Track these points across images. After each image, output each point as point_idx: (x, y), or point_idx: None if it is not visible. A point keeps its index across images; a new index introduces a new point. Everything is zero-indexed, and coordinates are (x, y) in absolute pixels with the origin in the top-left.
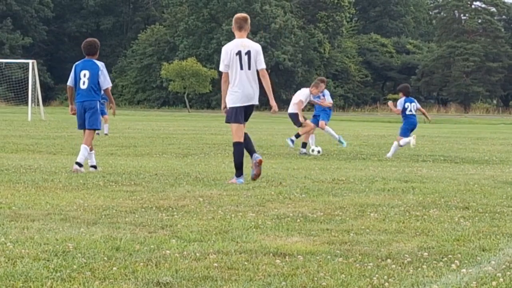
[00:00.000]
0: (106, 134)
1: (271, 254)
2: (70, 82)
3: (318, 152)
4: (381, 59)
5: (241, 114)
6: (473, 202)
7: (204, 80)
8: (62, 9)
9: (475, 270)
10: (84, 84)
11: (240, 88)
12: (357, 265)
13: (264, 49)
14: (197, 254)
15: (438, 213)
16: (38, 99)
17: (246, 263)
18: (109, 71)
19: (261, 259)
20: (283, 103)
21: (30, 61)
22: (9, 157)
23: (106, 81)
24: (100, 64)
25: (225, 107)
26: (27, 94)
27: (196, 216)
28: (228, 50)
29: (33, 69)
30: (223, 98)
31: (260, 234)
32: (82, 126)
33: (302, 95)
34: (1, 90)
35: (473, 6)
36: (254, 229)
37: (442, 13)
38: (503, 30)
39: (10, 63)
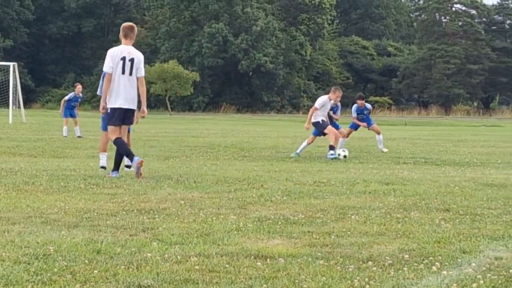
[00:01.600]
0: (79, 137)
1: (252, 256)
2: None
3: (344, 156)
4: (362, 61)
5: (120, 116)
6: (453, 204)
7: (186, 82)
8: (43, 11)
9: (455, 272)
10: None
11: (120, 92)
12: (338, 267)
13: (246, 52)
14: (178, 257)
15: (419, 215)
16: (19, 101)
17: (227, 265)
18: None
19: (243, 261)
20: (265, 105)
21: (11, 64)
22: None
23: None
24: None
25: (104, 107)
26: (8, 97)
27: (177, 218)
28: (113, 54)
29: (14, 71)
30: (103, 98)
31: (242, 237)
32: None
33: (318, 103)
34: None
35: (453, 9)
36: (235, 232)
37: (423, 16)
38: (483, 32)
39: None
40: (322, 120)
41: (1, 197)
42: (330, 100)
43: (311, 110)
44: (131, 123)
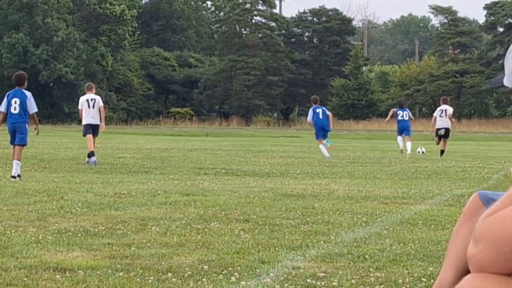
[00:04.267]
0: None
1: (51, 269)
2: (3, 108)
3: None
4: (164, 72)
5: None
6: (253, 215)
7: None
8: None
9: (254, 282)
10: (15, 109)
11: None
12: (138, 279)
13: (46, 62)
14: None
15: (219, 226)
16: None
17: (25, 279)
18: None
19: (41, 274)
20: (66, 116)
21: None
22: None
23: (33, 107)
24: (28, 94)
25: None
26: None
27: None
28: None
29: None
30: None
31: (41, 249)
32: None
33: None
34: None
35: (253, 21)
36: (34, 244)
37: (223, 28)
38: (282, 44)
39: None
40: None
41: None
42: None
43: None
44: None
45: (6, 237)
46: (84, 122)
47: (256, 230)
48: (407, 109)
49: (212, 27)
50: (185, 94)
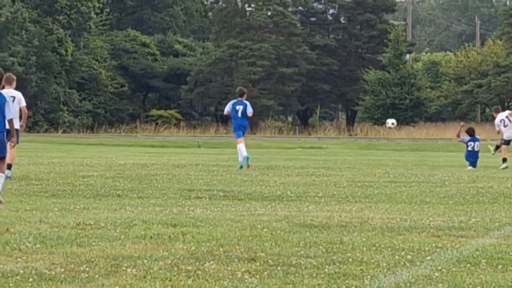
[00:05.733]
0: None
1: None
2: None
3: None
4: (141, 63)
5: None
6: (261, 252)
7: None
8: None
9: None
10: None
11: None
12: None
13: None
14: None
15: (216, 266)
16: None
17: None
18: None
19: None
20: None
21: None
22: None
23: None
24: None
25: None
26: None
27: None
28: None
29: None
30: None
31: None
32: None
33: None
34: None
35: None
36: None
37: (220, 3)
38: (299, 25)
39: None
40: None
41: None
42: None
43: None
44: None
45: None
46: None
47: (265, 273)
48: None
49: (206, 2)
50: (169, 91)
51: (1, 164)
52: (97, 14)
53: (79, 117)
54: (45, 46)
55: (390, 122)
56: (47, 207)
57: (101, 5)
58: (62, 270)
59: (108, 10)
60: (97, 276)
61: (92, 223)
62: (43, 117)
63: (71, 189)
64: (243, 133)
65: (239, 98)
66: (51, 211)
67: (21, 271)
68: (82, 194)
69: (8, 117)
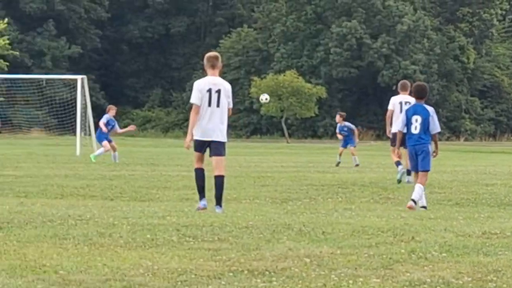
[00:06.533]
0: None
1: None
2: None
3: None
4: None
5: (201, 146)
6: None
7: (308, 100)
8: (120, 8)
9: None
10: (416, 129)
11: (202, 124)
12: None
13: (388, 58)
14: None
15: None
16: (89, 126)
17: None
18: (182, 89)
19: None
20: None
21: (78, 77)
22: (53, 204)
23: (435, 127)
24: (431, 110)
25: (192, 139)
26: (75, 120)
27: (302, 282)
28: (199, 87)
29: (82, 87)
30: (190, 130)
31: None
32: (414, 168)
33: None
34: (41, 115)
35: None
36: None
37: None
38: None
39: (53, 79)
40: None
41: (70, 254)
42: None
43: None
44: (220, 154)
45: None
46: None
47: None
48: None
49: None
50: None
51: (421, 176)
52: (499, 21)
53: (481, 125)
54: (447, 54)
55: (264, 97)
56: (451, 215)
57: (504, 12)
58: (469, 279)
59: (511, 17)
60: (504, 285)
61: (498, 232)
62: (444, 125)
63: (474, 197)
64: None
65: None
66: (456, 220)
67: (428, 280)
68: (486, 202)
69: (433, 131)
